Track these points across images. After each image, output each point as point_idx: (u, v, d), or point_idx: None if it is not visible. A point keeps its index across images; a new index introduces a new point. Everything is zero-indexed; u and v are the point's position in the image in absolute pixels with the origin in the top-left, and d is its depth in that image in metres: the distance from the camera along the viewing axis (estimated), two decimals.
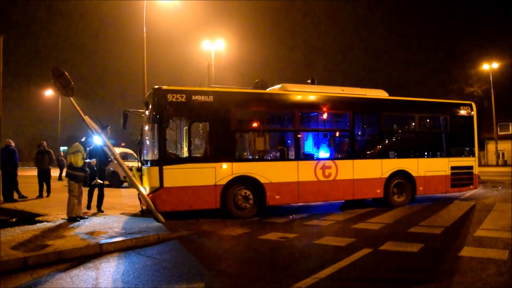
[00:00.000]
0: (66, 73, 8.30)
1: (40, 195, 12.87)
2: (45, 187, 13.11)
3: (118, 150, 14.53)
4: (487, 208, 9.91)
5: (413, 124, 11.49)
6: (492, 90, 42.10)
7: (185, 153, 9.24)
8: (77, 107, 8.45)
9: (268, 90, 10.31)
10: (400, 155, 11.12)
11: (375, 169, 10.46)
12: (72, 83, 8.37)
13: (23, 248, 5.82)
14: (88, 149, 8.87)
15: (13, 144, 12.31)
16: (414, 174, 10.89)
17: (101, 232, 7.04)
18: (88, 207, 9.48)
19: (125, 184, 16.41)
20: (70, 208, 8.22)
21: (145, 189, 8.72)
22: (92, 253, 5.92)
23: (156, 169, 8.30)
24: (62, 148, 35.96)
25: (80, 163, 8.39)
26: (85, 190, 8.97)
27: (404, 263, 5.39)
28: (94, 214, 9.03)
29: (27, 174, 22.47)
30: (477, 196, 12.50)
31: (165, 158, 8.39)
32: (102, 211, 9.32)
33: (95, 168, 9.22)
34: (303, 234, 7.24)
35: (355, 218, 8.88)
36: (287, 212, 9.82)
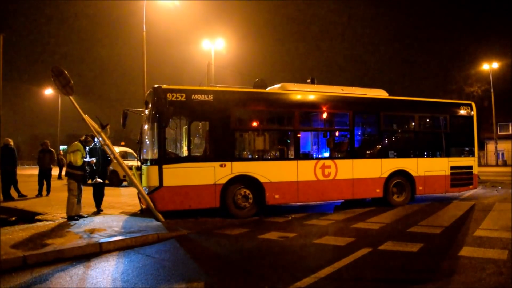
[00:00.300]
0: (66, 72, 8.30)
1: (40, 194, 12.88)
2: (45, 186, 13.13)
3: (117, 149, 14.53)
4: (486, 208, 9.91)
5: (413, 124, 11.49)
6: (492, 90, 42.13)
7: (185, 152, 9.24)
8: (77, 106, 8.45)
9: (268, 89, 10.30)
10: (399, 155, 11.13)
11: (374, 169, 10.46)
12: (72, 82, 8.36)
13: (22, 247, 5.82)
14: (87, 148, 8.86)
15: (11, 142, 12.31)
16: (413, 174, 10.89)
17: (100, 231, 7.04)
18: (98, 211, 9.27)
19: (125, 183, 16.41)
20: (70, 207, 8.22)
21: (144, 188, 8.72)
22: (92, 252, 5.93)
23: (155, 168, 8.30)
24: (61, 147, 35.99)
25: (79, 162, 8.39)
26: (87, 190, 8.95)
27: (404, 262, 5.39)
28: (93, 214, 9.03)
29: (27, 173, 22.47)
30: (477, 196, 12.51)
31: (165, 157, 8.38)
32: (102, 210, 9.31)
33: (94, 168, 9.21)
34: (303, 234, 7.24)
35: (354, 217, 8.88)
36: (286, 212, 9.82)
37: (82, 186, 8.60)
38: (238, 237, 7.06)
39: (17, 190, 12.42)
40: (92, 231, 7.04)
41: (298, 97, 10.02)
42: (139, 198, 9.13)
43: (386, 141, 11.32)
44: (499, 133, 44.35)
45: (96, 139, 8.96)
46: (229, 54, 29.49)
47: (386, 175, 10.53)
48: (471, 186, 11.88)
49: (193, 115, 9.05)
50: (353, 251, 5.81)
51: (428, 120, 12.10)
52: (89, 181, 9.38)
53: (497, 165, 41.77)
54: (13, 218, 9.26)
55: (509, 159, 43.44)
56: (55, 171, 16.23)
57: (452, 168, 11.43)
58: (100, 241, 6.20)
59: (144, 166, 9.12)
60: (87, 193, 9.29)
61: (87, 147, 8.83)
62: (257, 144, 9.54)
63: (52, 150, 13.89)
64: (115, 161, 8.98)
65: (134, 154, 16.60)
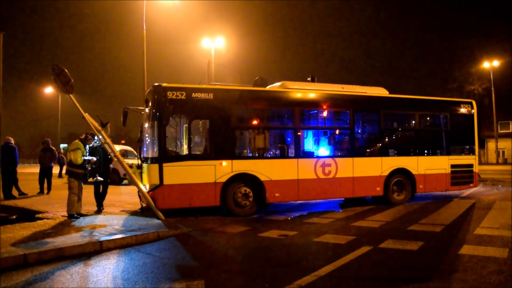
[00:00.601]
0: (66, 71, 8.30)
1: (42, 192, 12.94)
2: (45, 184, 13.15)
3: (118, 148, 14.53)
4: (487, 206, 9.92)
5: (413, 122, 11.47)
6: (492, 88, 42.06)
7: (185, 151, 9.23)
8: (77, 105, 8.45)
9: (268, 87, 10.29)
10: (400, 153, 11.13)
11: (375, 167, 10.46)
12: (72, 80, 8.36)
13: (23, 245, 5.83)
14: (88, 146, 8.85)
15: (12, 141, 12.31)
16: (414, 172, 10.88)
17: (101, 229, 7.05)
18: (99, 209, 9.14)
19: (125, 181, 16.41)
20: (70, 205, 8.22)
21: (145, 187, 8.73)
22: (92, 250, 5.93)
23: (156, 166, 8.30)
24: (62, 146, 35.99)
25: (79, 161, 8.38)
26: (87, 189, 8.93)
27: (404, 261, 5.39)
28: (95, 212, 9.02)
29: (27, 171, 22.47)
30: (477, 194, 12.51)
31: (165, 156, 8.38)
32: (103, 208, 9.26)
33: (94, 166, 9.16)
34: (303, 232, 7.24)
35: (355, 216, 8.88)
36: (287, 210, 9.82)
37: (82, 184, 8.60)
38: (238, 236, 7.06)
39: (17, 188, 12.43)
40: (92, 229, 7.05)
41: (298, 95, 10.01)
42: (140, 197, 9.13)
43: (387, 139, 11.32)
44: (499, 131, 44.30)
45: (96, 138, 8.96)
46: (229, 52, 29.49)
47: (386, 173, 10.53)
48: (471, 185, 11.87)
49: (193, 113, 9.04)
50: (354, 249, 5.81)
51: (428, 118, 12.09)
52: (90, 180, 9.38)
53: (497, 163, 41.76)
54: (14, 217, 9.26)
55: (509, 157, 43.44)
56: (55, 170, 16.25)
57: (452, 166, 11.42)
58: (100, 239, 6.20)
59: (144, 165, 9.12)
60: (88, 191, 9.29)
61: (88, 146, 8.83)
62: (258, 142, 9.53)
63: (53, 148, 13.91)
64: (115, 159, 8.99)
65: (135, 152, 16.61)
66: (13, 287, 4.54)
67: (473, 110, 12.09)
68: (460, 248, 5.76)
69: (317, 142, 10.71)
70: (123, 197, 12.16)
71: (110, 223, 7.65)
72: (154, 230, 6.97)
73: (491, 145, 45.40)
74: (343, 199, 11.01)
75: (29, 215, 8.94)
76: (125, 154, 17.54)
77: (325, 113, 10.48)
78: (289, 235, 6.97)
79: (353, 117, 10.47)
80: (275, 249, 6.16)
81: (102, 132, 8.63)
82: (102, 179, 9.33)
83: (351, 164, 10.17)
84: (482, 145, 44.54)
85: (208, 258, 5.79)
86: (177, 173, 8.39)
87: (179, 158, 8.87)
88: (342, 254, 5.53)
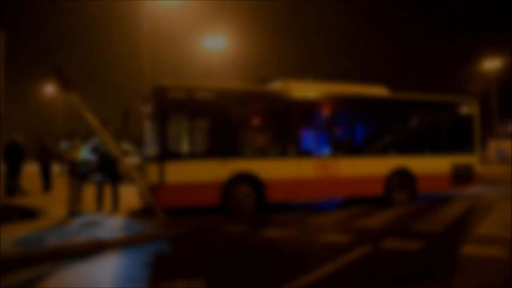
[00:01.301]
0: (66, 69, 8.28)
1: (46, 189, 12.97)
2: (46, 182, 13.16)
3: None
4: (487, 206, 9.91)
5: (414, 121, 11.47)
6: (493, 88, 42.00)
7: (186, 150, 9.23)
8: (78, 103, 8.43)
9: (269, 86, 10.27)
10: (400, 153, 11.11)
11: (375, 167, 10.46)
12: (72, 79, 8.34)
13: (23, 244, 5.83)
14: (90, 145, 8.84)
15: (19, 139, 12.25)
16: (414, 171, 10.87)
17: (101, 228, 7.05)
18: (99, 208, 9.07)
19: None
20: (71, 204, 8.23)
21: (146, 186, 8.72)
22: (92, 249, 5.93)
23: (157, 165, 8.30)
24: (62, 144, 35.99)
25: (80, 159, 8.39)
26: (88, 188, 8.94)
27: (405, 260, 5.38)
28: (96, 211, 9.02)
29: (27, 170, 22.43)
30: (478, 194, 12.49)
31: (166, 155, 8.38)
32: (117, 208, 9.09)
33: (93, 167, 9.13)
34: (304, 231, 7.24)
35: (355, 215, 8.88)
36: (287, 209, 9.82)
37: (83, 183, 8.60)
38: (239, 235, 7.06)
39: (18, 187, 12.43)
40: (93, 228, 7.05)
41: (299, 94, 9.99)
42: (140, 196, 9.13)
43: (387, 139, 11.29)
44: (500, 131, 44.25)
45: (97, 137, 8.95)
46: (230, 51, 29.43)
47: (387, 172, 10.52)
48: (472, 184, 11.86)
49: (194, 112, 9.03)
50: (354, 248, 5.81)
51: (429, 117, 12.03)
52: (91, 178, 9.37)
53: (498, 163, 41.73)
54: (14, 215, 9.25)
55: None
56: (56, 168, 16.27)
57: (453, 166, 11.41)
58: (100, 238, 6.21)
59: (145, 163, 9.12)
60: (89, 190, 9.29)
61: (89, 145, 8.82)
62: (259, 141, 9.54)
63: (49, 147, 13.88)
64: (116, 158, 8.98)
65: (135, 151, 16.61)
66: (13, 286, 4.54)
67: (474, 109, 12.07)
68: (460, 248, 5.76)
69: (318, 141, 10.70)
70: (123, 196, 12.13)
71: (111, 222, 7.66)
72: (155, 230, 6.98)
73: (491, 144, 45.34)
74: (343, 198, 11.00)
75: (30, 214, 8.93)
76: (125, 153, 17.54)
77: (325, 112, 10.47)
78: (289, 234, 6.97)
79: (354, 116, 10.48)
80: (276, 249, 6.16)
81: (103, 131, 8.61)
82: (101, 179, 9.30)
83: (352, 163, 10.16)
84: (482, 144, 44.47)
85: (208, 257, 5.78)
86: (178, 172, 8.39)
87: (180, 157, 8.85)
88: (343, 253, 5.53)
